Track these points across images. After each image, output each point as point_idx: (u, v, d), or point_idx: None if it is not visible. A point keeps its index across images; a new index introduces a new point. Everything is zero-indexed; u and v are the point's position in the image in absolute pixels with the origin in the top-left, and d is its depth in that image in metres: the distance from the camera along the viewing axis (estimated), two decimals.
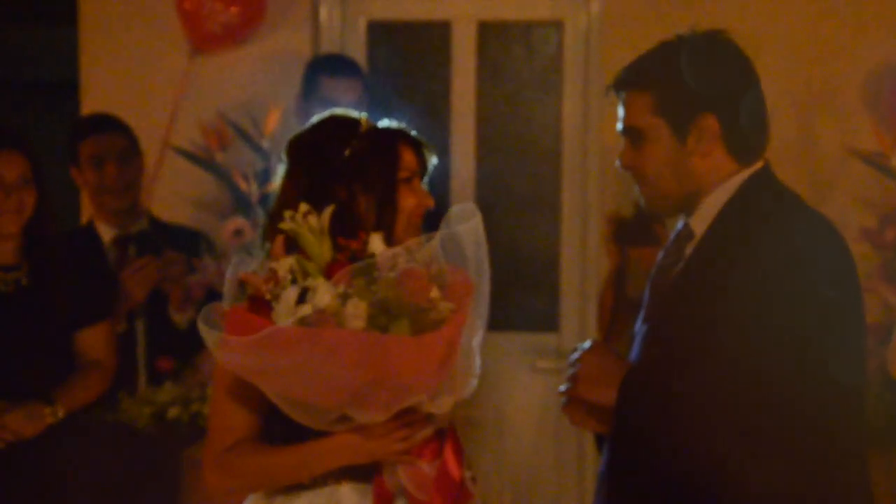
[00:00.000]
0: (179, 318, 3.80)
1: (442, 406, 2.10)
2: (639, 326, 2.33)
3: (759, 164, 2.27)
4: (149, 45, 4.36)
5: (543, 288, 4.59)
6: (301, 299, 2.01)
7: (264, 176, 4.05)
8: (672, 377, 2.14)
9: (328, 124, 2.26)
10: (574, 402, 2.24)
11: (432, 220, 2.21)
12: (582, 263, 4.52)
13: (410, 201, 2.21)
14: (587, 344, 2.26)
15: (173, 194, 4.32)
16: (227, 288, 2.13)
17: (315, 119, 2.29)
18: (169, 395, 3.68)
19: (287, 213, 2.09)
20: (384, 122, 2.26)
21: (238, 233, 3.96)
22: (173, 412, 3.64)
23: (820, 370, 2.06)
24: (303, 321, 1.99)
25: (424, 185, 2.27)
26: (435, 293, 2.02)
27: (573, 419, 2.26)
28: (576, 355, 2.25)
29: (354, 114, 2.27)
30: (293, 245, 2.12)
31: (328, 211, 2.10)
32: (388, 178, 2.20)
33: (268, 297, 2.03)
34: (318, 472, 2.15)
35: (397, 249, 2.07)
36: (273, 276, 2.05)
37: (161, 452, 3.64)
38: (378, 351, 1.98)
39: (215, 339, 2.04)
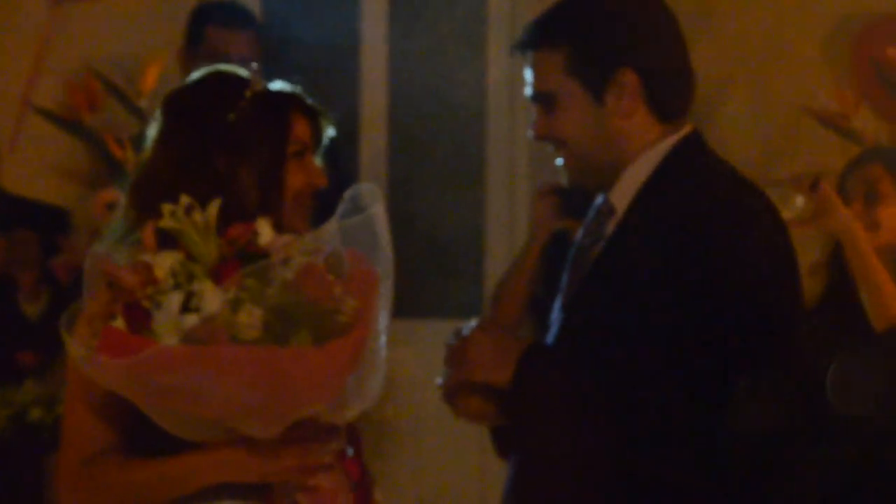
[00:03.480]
0: (30, 308, 3.79)
1: (346, 416, 2.08)
2: (556, 315, 2.35)
3: (686, 130, 2.29)
4: None
5: (466, 270, 4.61)
6: (185, 306, 1.98)
7: (142, 141, 3.91)
8: (580, 355, 2.20)
9: (212, 81, 2.23)
10: (465, 391, 2.27)
11: (330, 201, 2.17)
12: (509, 242, 4.51)
13: (299, 179, 2.19)
14: (472, 324, 2.29)
15: (34, 163, 4.24)
16: (87, 283, 2.07)
17: (196, 74, 2.26)
18: (30, 394, 3.67)
19: (167, 209, 2.03)
20: (276, 85, 2.23)
21: (111, 206, 3.81)
22: (35, 414, 3.64)
23: (743, 360, 2.11)
24: (190, 335, 1.96)
25: (318, 160, 2.23)
26: (338, 290, 1.99)
27: (465, 410, 2.29)
28: (461, 336, 2.28)
29: (243, 72, 2.24)
30: (167, 234, 2.05)
31: (214, 205, 2.03)
32: (275, 150, 2.17)
33: (146, 304, 1.99)
34: (195, 489, 2.08)
35: (289, 238, 2.04)
36: (146, 272, 2.00)
37: (20, 460, 3.65)
38: (276, 367, 1.97)
39: (83, 356, 2.00)
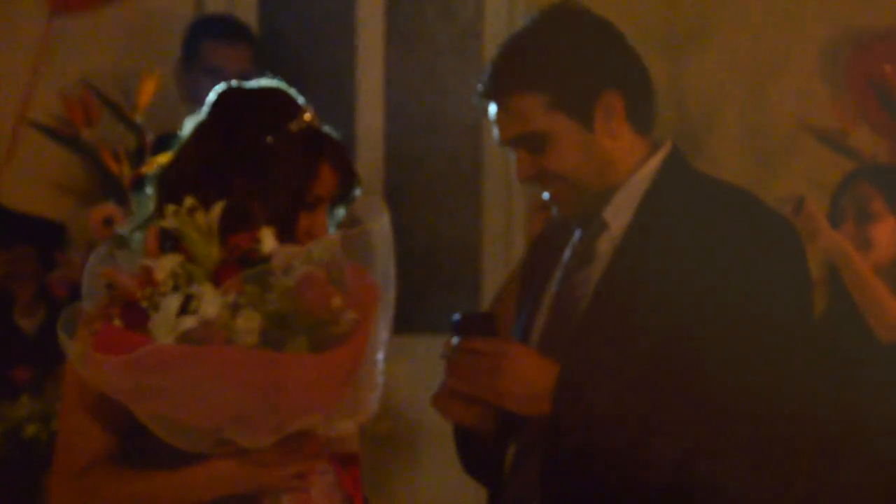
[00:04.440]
0: (27, 323, 3.77)
1: (340, 429, 2.08)
2: (542, 335, 2.30)
3: (667, 145, 2.29)
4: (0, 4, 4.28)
5: (463, 283, 4.60)
6: (184, 308, 1.96)
7: (138, 155, 3.96)
8: (618, 380, 2.15)
9: (268, 96, 2.20)
10: (455, 395, 2.22)
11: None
12: (506, 256, 4.48)
13: (301, 226, 2.15)
14: (460, 315, 2.22)
15: (31, 177, 4.23)
16: (87, 286, 2.06)
17: (259, 82, 2.23)
18: (25, 410, 3.64)
19: (170, 209, 2.02)
20: (325, 128, 2.20)
21: (108, 222, 3.86)
22: (31, 430, 3.61)
23: (777, 364, 2.11)
24: (186, 336, 1.94)
25: (332, 215, 2.19)
26: (337, 301, 1.97)
27: (452, 414, 2.25)
28: (470, 345, 2.19)
29: (301, 100, 2.21)
30: (170, 240, 2.05)
31: (217, 207, 2.03)
32: (292, 195, 2.13)
33: (144, 304, 1.97)
34: (192, 503, 2.08)
35: (291, 248, 2.01)
36: (147, 275, 1.99)
37: (16, 476, 3.61)
38: (272, 371, 1.95)
39: (79, 354, 1.99)
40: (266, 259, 2.00)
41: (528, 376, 2.16)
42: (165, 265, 2.00)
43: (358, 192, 2.22)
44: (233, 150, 2.13)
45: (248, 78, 2.32)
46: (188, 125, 2.20)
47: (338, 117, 2.28)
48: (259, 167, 2.13)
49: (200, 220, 2.02)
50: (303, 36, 4.53)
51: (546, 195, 2.30)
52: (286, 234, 2.10)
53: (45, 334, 3.63)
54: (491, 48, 4.49)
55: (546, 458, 2.21)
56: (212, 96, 2.22)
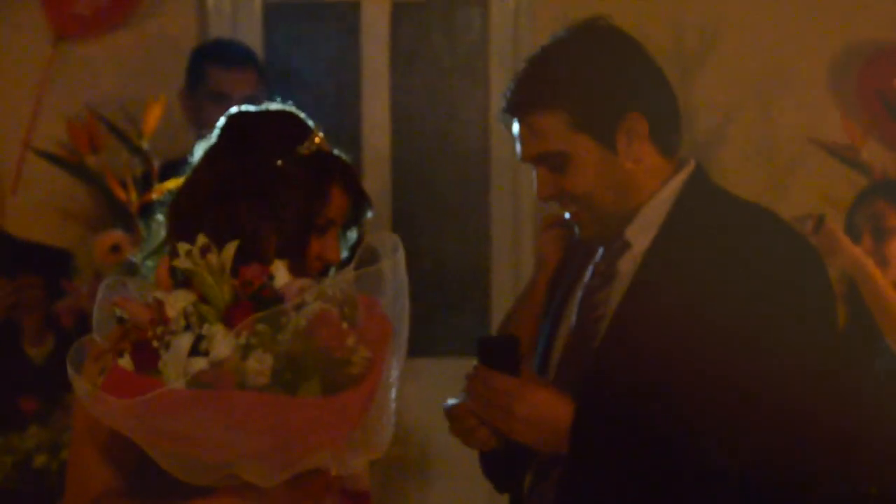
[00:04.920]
0: (35, 353, 3.75)
1: (351, 468, 2.05)
2: (563, 355, 2.30)
3: (690, 164, 2.28)
4: (4, 30, 4.27)
5: (472, 305, 4.58)
6: (195, 348, 1.95)
7: (145, 182, 3.95)
8: (636, 408, 2.13)
9: (277, 119, 2.21)
10: (475, 421, 2.21)
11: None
12: (515, 278, 4.46)
13: (312, 251, 2.16)
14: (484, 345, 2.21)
15: (36, 205, 4.24)
16: (97, 317, 2.05)
17: (269, 106, 2.24)
18: (34, 440, 3.61)
19: (183, 249, 2.01)
20: (335, 151, 2.20)
21: (115, 249, 3.86)
22: (40, 460, 3.58)
23: (807, 379, 2.10)
24: (197, 378, 1.93)
25: (344, 238, 2.19)
26: (351, 340, 1.96)
27: (470, 438, 2.24)
28: (486, 378, 2.19)
29: (311, 123, 2.21)
30: (180, 273, 2.04)
31: (231, 247, 2.01)
32: (302, 219, 2.13)
33: (155, 344, 1.96)
34: None
35: (304, 282, 2.00)
36: (159, 308, 1.98)
37: None
38: (284, 415, 1.94)
39: (89, 394, 1.97)
40: (279, 294, 2.00)
41: (541, 420, 2.16)
42: (177, 303, 1.99)
43: (370, 214, 2.22)
44: (243, 173, 2.13)
45: (254, 103, 2.32)
46: (198, 150, 2.20)
47: (344, 141, 2.28)
48: (270, 190, 2.12)
49: (213, 261, 2.01)
50: (308, 60, 4.55)
51: (567, 215, 2.29)
52: (297, 258, 2.10)
53: (53, 363, 3.62)
54: (496, 69, 4.52)
55: (562, 484, 2.21)
56: (222, 120, 2.22)
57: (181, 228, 2.08)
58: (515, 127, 2.26)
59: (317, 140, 2.18)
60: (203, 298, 2.01)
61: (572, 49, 2.25)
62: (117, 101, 4.18)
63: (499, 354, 2.22)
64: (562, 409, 2.15)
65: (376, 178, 4.49)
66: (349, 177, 2.20)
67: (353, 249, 2.18)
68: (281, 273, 2.02)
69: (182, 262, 2.01)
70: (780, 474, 2.09)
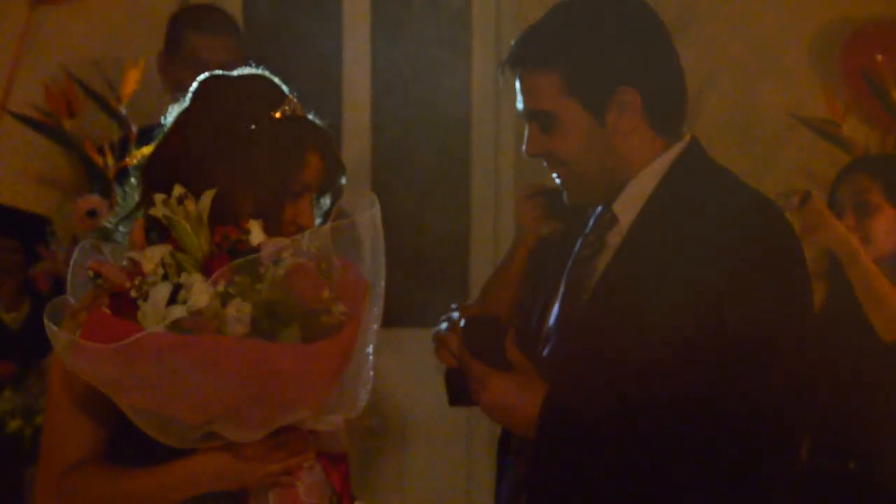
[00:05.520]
0: (10, 318, 3.73)
1: (329, 424, 2.07)
2: (553, 326, 2.31)
3: (685, 139, 2.27)
4: None
5: (451, 277, 4.58)
6: (173, 298, 1.96)
7: (122, 147, 3.93)
8: (601, 393, 2.16)
9: (250, 84, 2.19)
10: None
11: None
12: (494, 249, 4.47)
13: (287, 215, 2.15)
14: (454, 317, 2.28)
15: (13, 170, 4.20)
16: (72, 280, 2.07)
17: (241, 71, 2.22)
18: (8, 404, 3.63)
19: (159, 198, 2.01)
20: (310, 116, 2.19)
21: (92, 214, 3.83)
22: (13, 425, 3.60)
23: (773, 361, 2.10)
24: (176, 325, 1.93)
25: (318, 205, 2.19)
26: (327, 293, 1.96)
27: (440, 357, 2.31)
28: (463, 360, 2.22)
29: (285, 88, 2.20)
30: (155, 230, 2.04)
31: (208, 196, 2.01)
32: (277, 185, 2.12)
33: (133, 294, 1.96)
34: (177, 500, 2.08)
35: (282, 241, 2.01)
36: (135, 268, 1.97)
37: None
38: (264, 362, 1.94)
39: (66, 342, 1.96)
40: (255, 250, 1.99)
41: (506, 407, 2.20)
42: (154, 255, 1.99)
43: (343, 181, 2.21)
44: (216, 138, 2.12)
45: (232, 69, 2.31)
46: (171, 113, 2.19)
47: (324, 111, 2.26)
48: (243, 155, 2.11)
49: (191, 209, 2.01)
50: (288, 28, 4.51)
51: (555, 177, 2.30)
52: (272, 224, 2.09)
53: (29, 328, 3.62)
54: (479, 40, 4.51)
55: (532, 462, 2.24)
56: (195, 85, 2.20)
57: (154, 191, 2.07)
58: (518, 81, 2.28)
59: (291, 105, 2.17)
60: (180, 248, 2.00)
61: (578, 13, 2.25)
62: (95, 65, 4.15)
63: (482, 337, 2.25)
64: (529, 398, 2.18)
65: (356, 148, 4.49)
66: (324, 142, 2.19)
67: (326, 216, 2.17)
68: (256, 230, 2.03)
69: (159, 210, 2.00)
70: (750, 441, 2.10)
